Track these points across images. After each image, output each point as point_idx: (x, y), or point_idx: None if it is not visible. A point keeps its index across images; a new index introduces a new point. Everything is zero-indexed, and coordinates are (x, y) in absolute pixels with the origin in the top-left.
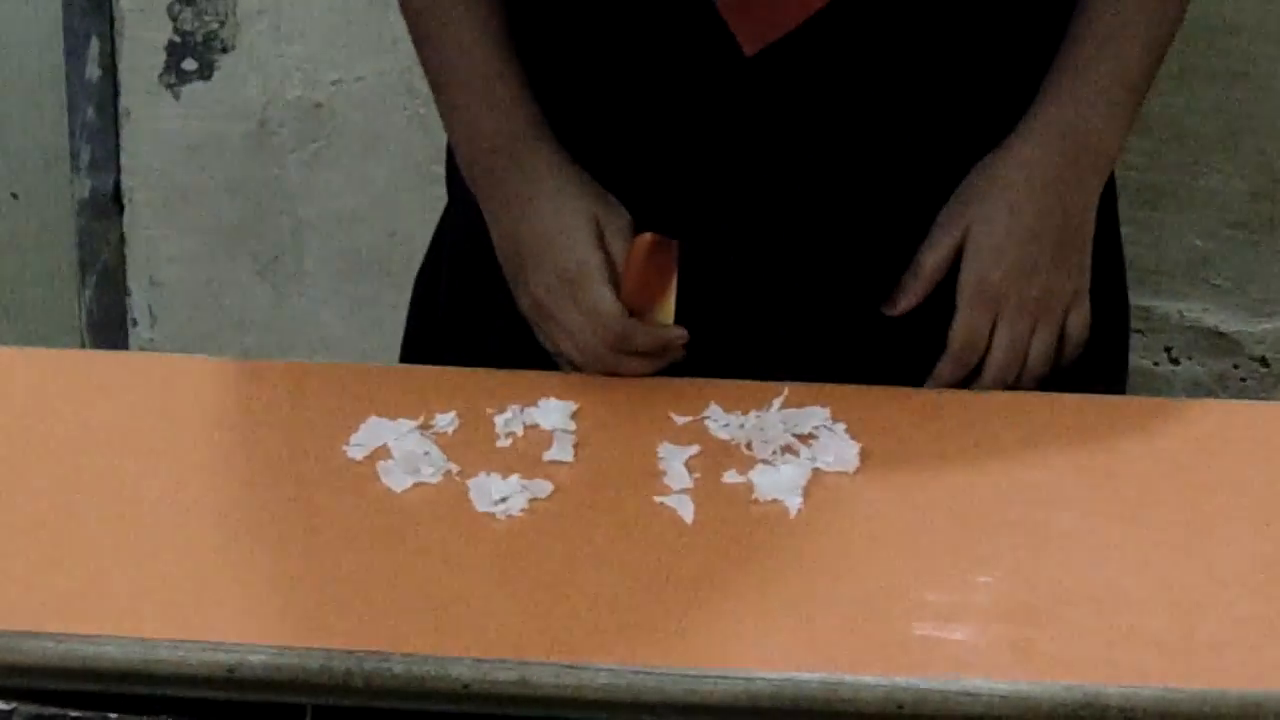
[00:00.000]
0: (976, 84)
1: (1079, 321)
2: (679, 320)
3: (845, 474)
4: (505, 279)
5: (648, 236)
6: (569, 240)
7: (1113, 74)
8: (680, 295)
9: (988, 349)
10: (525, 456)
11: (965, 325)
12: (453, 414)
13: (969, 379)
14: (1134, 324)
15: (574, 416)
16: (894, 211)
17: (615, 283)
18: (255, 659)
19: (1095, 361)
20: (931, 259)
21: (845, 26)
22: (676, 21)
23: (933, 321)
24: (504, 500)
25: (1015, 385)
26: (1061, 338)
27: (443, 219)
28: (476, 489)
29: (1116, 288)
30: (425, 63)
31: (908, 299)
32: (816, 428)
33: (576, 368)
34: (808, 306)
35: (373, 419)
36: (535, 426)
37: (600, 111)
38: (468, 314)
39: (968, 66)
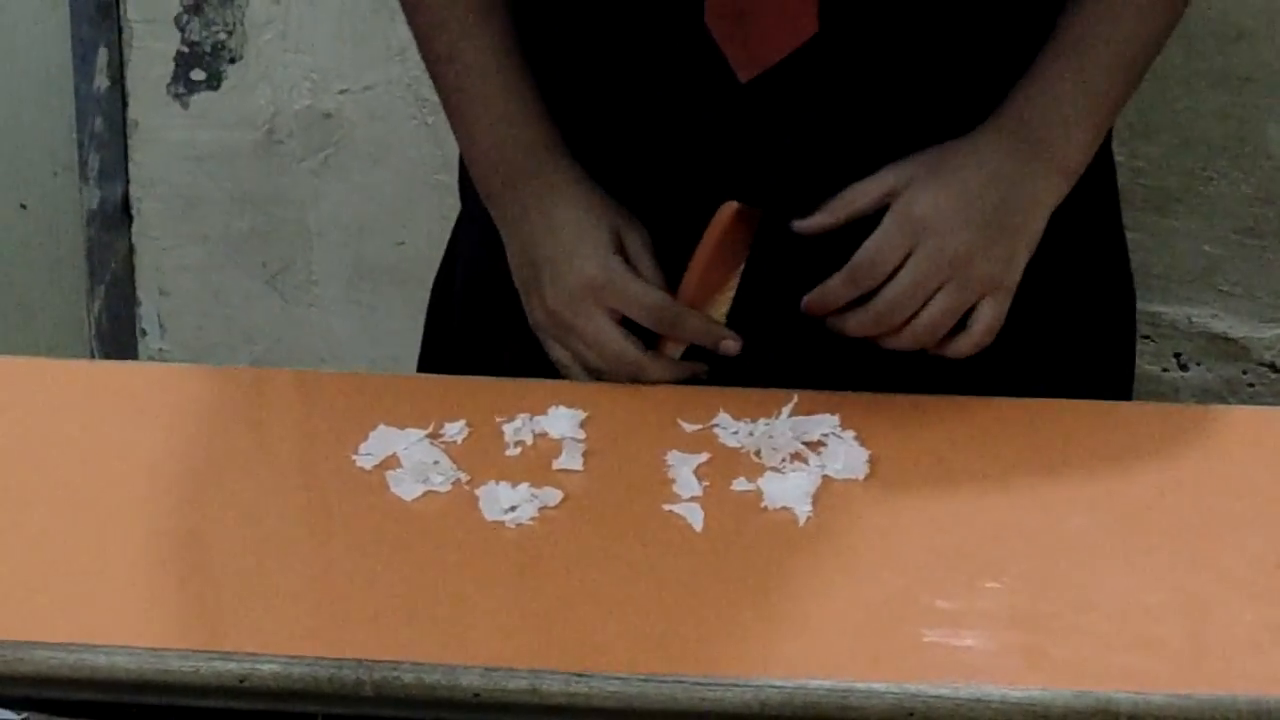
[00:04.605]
0: (959, 100)
1: (990, 313)
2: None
3: (855, 481)
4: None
5: (733, 204)
6: (590, 251)
7: (1075, 83)
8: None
9: (886, 283)
10: (534, 465)
11: (876, 243)
12: (462, 423)
13: (852, 306)
14: (1143, 330)
15: (583, 425)
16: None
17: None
18: (266, 669)
19: (1102, 368)
20: (860, 191)
21: (834, 52)
22: (674, 48)
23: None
24: (513, 509)
25: (892, 336)
26: (965, 323)
27: (457, 226)
28: (486, 497)
29: (1124, 295)
30: (437, 80)
31: (820, 219)
32: (825, 435)
33: (595, 377)
34: (808, 316)
35: (382, 428)
36: (544, 435)
37: (602, 132)
38: (483, 322)
39: (951, 84)
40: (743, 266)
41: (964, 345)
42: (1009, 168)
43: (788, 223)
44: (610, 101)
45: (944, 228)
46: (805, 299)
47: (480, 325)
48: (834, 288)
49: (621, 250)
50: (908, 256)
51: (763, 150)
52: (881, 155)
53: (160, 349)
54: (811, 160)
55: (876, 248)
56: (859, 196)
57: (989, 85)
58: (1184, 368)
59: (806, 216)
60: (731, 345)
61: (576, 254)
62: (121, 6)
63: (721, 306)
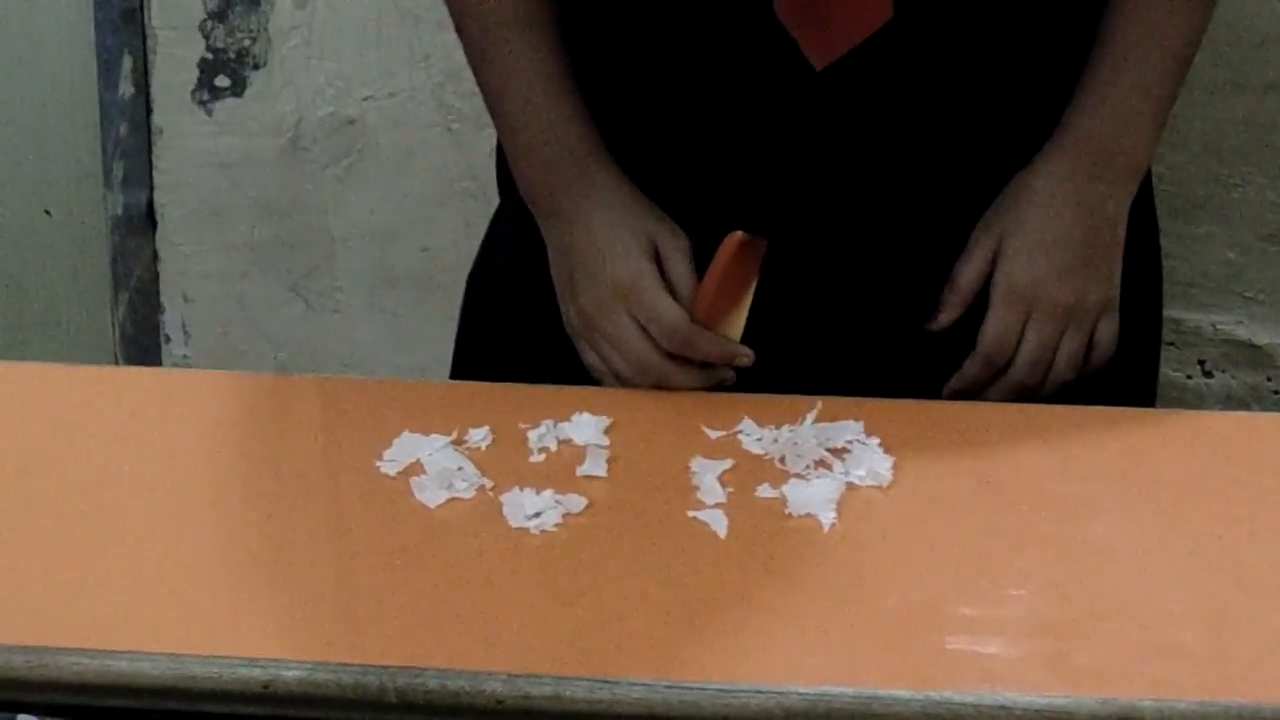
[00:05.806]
0: (1032, 87)
1: (1108, 330)
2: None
3: (879, 488)
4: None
5: (737, 235)
6: (623, 253)
7: (1137, 85)
8: (752, 307)
9: (1016, 351)
10: (558, 471)
11: (996, 326)
12: (486, 429)
13: (993, 380)
14: (1167, 337)
15: (607, 431)
16: (935, 225)
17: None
18: (290, 675)
19: (1126, 372)
20: (967, 272)
21: (908, 37)
22: (743, 40)
23: (964, 332)
24: (537, 515)
25: (1039, 389)
26: (1090, 345)
27: (495, 218)
28: (510, 504)
29: (1151, 298)
30: (483, 85)
31: (948, 313)
32: (850, 442)
33: (622, 382)
34: (844, 319)
35: (406, 434)
36: (568, 441)
37: (660, 126)
38: (523, 313)
39: (1024, 70)
40: (752, 291)
41: (1094, 366)
42: (1088, 191)
43: (839, 207)
44: (675, 94)
45: (1049, 286)
46: (947, 388)
47: (521, 314)
48: (972, 374)
49: (656, 256)
50: (1026, 320)
51: (830, 139)
52: (942, 145)
53: (184, 355)
54: (874, 149)
55: (996, 331)
56: (967, 282)
57: (1062, 70)
58: (1208, 374)
59: (928, 315)
60: (745, 361)
61: (609, 256)
62: (146, 13)
63: (734, 330)
